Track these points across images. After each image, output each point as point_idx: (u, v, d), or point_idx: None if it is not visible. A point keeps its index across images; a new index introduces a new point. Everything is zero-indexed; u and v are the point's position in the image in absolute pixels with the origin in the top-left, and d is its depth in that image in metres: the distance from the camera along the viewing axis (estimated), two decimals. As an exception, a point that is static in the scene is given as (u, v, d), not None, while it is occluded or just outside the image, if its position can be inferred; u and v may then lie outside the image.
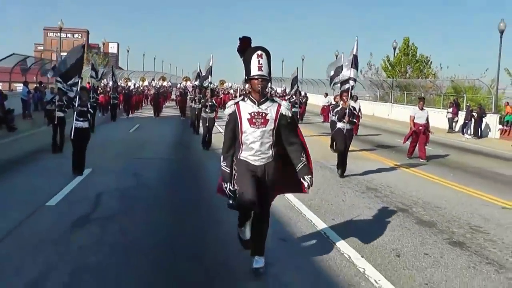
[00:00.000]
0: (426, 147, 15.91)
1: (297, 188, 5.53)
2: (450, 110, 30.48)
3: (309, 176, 5.26)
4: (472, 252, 6.59)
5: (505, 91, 35.80)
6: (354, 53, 12.75)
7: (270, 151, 5.19)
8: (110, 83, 31.58)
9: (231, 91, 41.12)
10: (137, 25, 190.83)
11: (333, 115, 12.97)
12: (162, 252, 6.14)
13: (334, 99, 15.09)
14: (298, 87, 24.43)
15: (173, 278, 5.32)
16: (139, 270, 5.48)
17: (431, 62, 46.76)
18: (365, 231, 7.33)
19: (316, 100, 46.33)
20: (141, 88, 42.81)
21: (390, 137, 23.35)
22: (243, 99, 5.24)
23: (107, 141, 16.79)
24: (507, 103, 29.79)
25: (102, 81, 33.12)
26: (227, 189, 5.17)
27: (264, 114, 5.12)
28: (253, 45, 5.27)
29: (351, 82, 12.58)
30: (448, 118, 30.23)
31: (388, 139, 21.93)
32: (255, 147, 5.12)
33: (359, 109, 13.26)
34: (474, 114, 27.74)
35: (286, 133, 5.24)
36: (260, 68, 5.06)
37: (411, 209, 8.88)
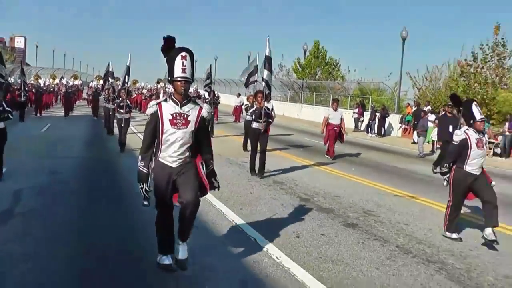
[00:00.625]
0: (335, 145, 16.61)
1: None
2: (356, 110, 32.20)
3: (217, 177, 5.53)
4: (363, 231, 7.50)
5: (407, 93, 38.18)
6: (266, 54, 12.76)
7: (188, 153, 5.25)
8: (19, 80, 30.67)
9: (144, 91, 40.97)
10: (46, 19, 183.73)
11: (247, 115, 13.43)
12: (82, 241, 6.55)
13: (247, 99, 15.46)
14: (211, 86, 24.75)
15: (96, 262, 5.76)
16: (63, 258, 5.86)
17: (339, 65, 48.73)
18: (269, 217, 8.08)
19: (228, 101, 47.06)
20: (52, 86, 41.83)
21: (300, 136, 24.42)
22: (165, 100, 5.25)
23: (20, 140, 16.51)
24: (408, 104, 31.99)
25: (10, 78, 32.19)
26: (143, 189, 5.26)
27: (185, 116, 5.17)
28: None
29: (264, 84, 12.79)
30: (354, 118, 31.88)
31: (299, 138, 22.97)
32: (174, 147, 5.18)
33: (272, 109, 13.83)
34: (378, 114, 29.49)
35: (203, 136, 5.38)
36: (183, 70, 5.09)
37: (312, 199, 9.73)
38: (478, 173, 7.55)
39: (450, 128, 14.53)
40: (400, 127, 29.51)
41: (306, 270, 5.64)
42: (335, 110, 16.70)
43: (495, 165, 17.35)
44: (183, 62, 5.08)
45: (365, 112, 31.91)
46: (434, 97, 32.15)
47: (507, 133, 21.36)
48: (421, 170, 15.09)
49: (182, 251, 5.29)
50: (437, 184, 12.39)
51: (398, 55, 30.29)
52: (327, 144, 16.54)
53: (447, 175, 7.70)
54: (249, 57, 46.87)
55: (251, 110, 12.48)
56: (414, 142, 23.91)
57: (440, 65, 34.66)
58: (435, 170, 8.24)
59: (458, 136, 7.62)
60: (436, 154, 20.36)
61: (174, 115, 5.14)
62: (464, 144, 7.53)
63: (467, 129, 7.67)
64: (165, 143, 5.18)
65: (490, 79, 28.31)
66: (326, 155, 16.43)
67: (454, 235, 7.52)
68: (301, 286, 5.25)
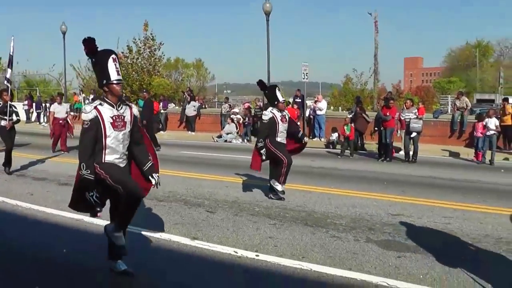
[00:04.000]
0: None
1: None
2: (26, 102, 33.85)
3: (157, 174, 5.50)
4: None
5: (71, 82, 41.08)
6: (11, 53, 13.14)
7: (127, 153, 5.34)
8: None
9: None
10: None
11: None
12: None
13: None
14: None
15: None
16: None
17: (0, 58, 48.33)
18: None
19: None
20: None
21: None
22: (100, 104, 5.12)
23: None
24: (75, 93, 35.02)
25: None
26: (93, 197, 5.03)
27: (123, 117, 5.18)
28: None
29: (6, 83, 13.32)
30: (25, 110, 33.41)
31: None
32: (119, 149, 5.19)
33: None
34: (47, 104, 31.79)
35: (136, 133, 5.40)
36: (118, 73, 5.09)
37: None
38: (284, 142, 9.46)
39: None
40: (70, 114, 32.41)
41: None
42: (59, 103, 17.16)
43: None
44: (115, 65, 5.10)
45: (34, 103, 33.70)
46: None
47: (162, 111, 26.65)
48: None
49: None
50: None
51: (60, 48, 33.08)
52: (53, 139, 16.90)
53: (264, 149, 9.23)
54: None
55: None
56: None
57: (100, 57, 38.38)
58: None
59: (266, 115, 9.30)
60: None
61: (114, 117, 5.12)
62: (273, 122, 9.22)
63: (272, 109, 9.34)
64: (110, 146, 5.13)
65: (146, 68, 33.33)
66: (55, 151, 16.67)
67: (281, 187, 9.39)
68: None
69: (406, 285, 5.15)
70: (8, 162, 12.32)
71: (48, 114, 30.62)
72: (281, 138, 9.40)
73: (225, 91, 79.49)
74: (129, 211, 5.18)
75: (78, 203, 5.23)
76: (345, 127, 17.52)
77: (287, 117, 9.53)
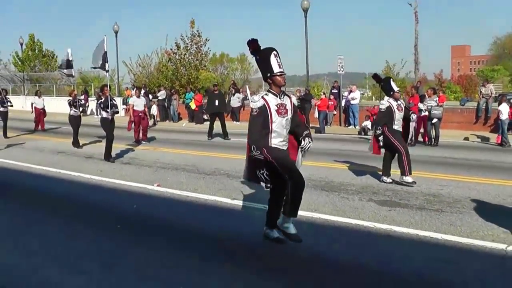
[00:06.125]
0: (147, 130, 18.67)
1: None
2: (82, 97, 36.35)
3: (309, 139, 5.98)
4: (148, 172, 12.72)
5: (124, 78, 43.57)
6: (104, 50, 14.15)
7: (288, 137, 5.98)
8: None
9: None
10: None
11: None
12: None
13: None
14: None
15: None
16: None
17: (56, 56, 51.39)
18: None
19: None
20: None
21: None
22: (266, 94, 5.82)
23: None
24: (127, 87, 37.37)
25: None
26: (264, 174, 5.75)
27: (285, 105, 5.83)
28: None
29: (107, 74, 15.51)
30: (81, 104, 35.79)
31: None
32: (283, 133, 5.84)
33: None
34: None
35: (295, 118, 6.04)
36: (279, 66, 5.73)
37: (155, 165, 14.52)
38: (400, 129, 10.04)
39: (216, 103, 19.76)
40: (124, 108, 34.87)
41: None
42: (138, 96, 18.38)
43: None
44: (277, 60, 5.76)
45: (89, 98, 36.21)
46: (148, 80, 38.03)
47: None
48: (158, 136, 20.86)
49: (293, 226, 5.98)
50: (171, 142, 18.12)
51: (112, 46, 35.35)
52: (132, 129, 18.25)
53: (381, 136, 9.89)
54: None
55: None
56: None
57: (150, 53, 40.80)
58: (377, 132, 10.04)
59: (383, 105, 10.00)
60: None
61: (278, 105, 5.79)
62: (390, 110, 9.83)
63: (388, 99, 9.98)
64: (275, 131, 5.78)
65: (193, 63, 35.47)
66: (134, 141, 17.92)
67: (410, 179, 9.78)
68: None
69: (388, 226, 6.92)
70: (109, 152, 13.71)
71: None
72: (397, 126, 10.02)
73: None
74: (296, 197, 5.77)
75: (251, 176, 5.99)
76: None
77: (402, 106, 10.19)
